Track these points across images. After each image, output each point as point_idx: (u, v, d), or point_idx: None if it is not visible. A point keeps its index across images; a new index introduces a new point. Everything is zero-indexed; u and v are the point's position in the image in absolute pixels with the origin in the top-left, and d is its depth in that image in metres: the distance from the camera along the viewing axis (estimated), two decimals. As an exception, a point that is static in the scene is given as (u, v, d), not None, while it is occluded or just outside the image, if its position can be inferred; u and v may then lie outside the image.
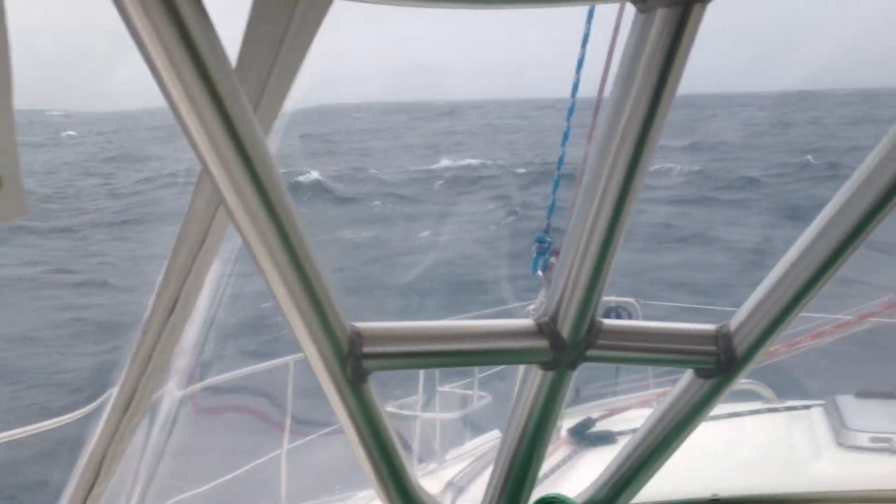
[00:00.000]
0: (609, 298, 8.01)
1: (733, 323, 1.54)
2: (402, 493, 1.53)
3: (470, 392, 7.15)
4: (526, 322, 1.49)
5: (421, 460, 6.38)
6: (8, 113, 0.90)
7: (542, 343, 1.47)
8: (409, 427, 6.64)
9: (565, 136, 3.63)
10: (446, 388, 7.32)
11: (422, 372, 6.76)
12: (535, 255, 3.79)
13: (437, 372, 7.04)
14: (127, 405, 1.79)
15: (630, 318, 7.86)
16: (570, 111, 3.58)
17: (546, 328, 1.47)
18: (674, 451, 1.65)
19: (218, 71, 1.07)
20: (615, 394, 6.80)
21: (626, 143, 1.26)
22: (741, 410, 5.35)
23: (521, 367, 1.56)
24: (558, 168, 3.77)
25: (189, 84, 1.06)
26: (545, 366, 1.50)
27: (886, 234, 1.54)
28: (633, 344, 1.54)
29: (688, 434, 1.63)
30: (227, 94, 1.08)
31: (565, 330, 1.45)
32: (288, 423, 6.00)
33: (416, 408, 6.78)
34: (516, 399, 1.59)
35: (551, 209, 4.09)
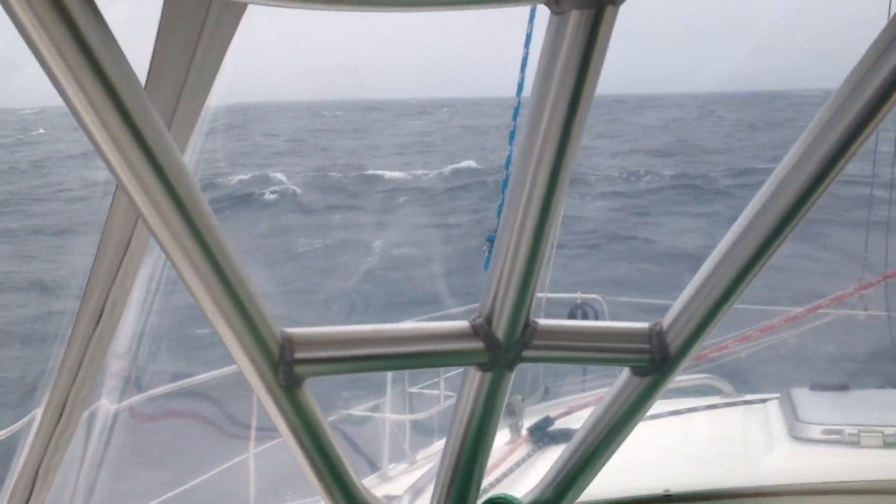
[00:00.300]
0: (574, 295, 8.06)
1: (666, 320, 1.55)
2: (347, 497, 1.53)
3: (437, 392, 7.17)
4: (461, 324, 1.49)
5: (391, 461, 6.40)
6: None
7: (477, 345, 1.47)
8: (377, 429, 6.65)
9: (512, 135, 3.65)
10: (414, 388, 7.34)
11: (389, 373, 6.77)
12: (486, 253, 3.80)
13: (406, 373, 7.05)
14: (58, 417, 1.76)
15: (596, 315, 7.91)
16: (516, 111, 3.60)
17: (481, 329, 1.47)
18: (615, 449, 1.66)
19: (124, 86, 1.05)
20: (583, 390, 6.84)
21: (548, 144, 1.27)
22: (698, 405, 5.40)
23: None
24: (506, 168, 3.79)
25: (97, 105, 1.05)
26: (482, 367, 1.50)
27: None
28: (569, 343, 1.55)
29: (628, 432, 1.64)
30: (135, 110, 1.07)
31: (500, 331, 1.46)
32: (253, 430, 5.98)
33: (384, 409, 6.78)
34: (457, 401, 1.60)
35: (501, 208, 4.09)
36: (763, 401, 5.30)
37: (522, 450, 5.23)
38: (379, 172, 37.02)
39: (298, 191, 32.17)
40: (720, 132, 52.34)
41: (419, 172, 37.19)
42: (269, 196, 31.10)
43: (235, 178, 33.33)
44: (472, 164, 37.28)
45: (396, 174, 36.80)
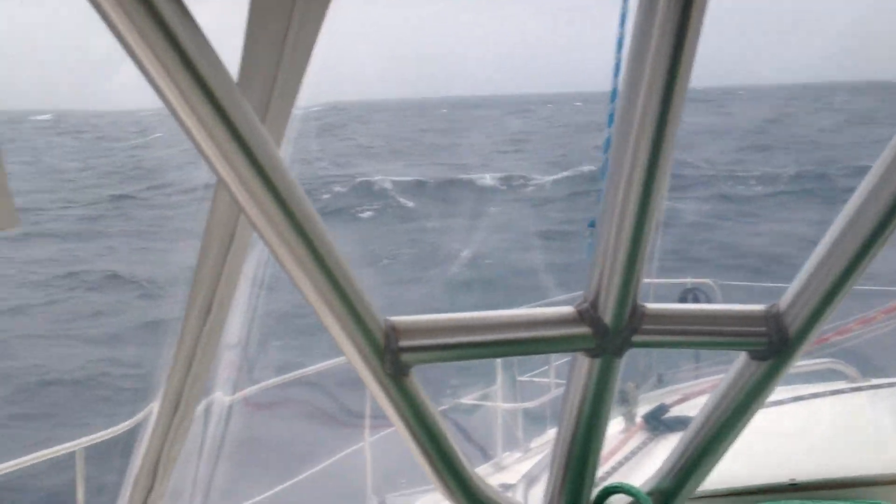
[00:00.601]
0: (684, 280, 7.87)
1: (783, 302, 1.50)
2: (459, 483, 1.53)
3: (547, 380, 7.15)
4: (566, 309, 1.47)
5: (504, 450, 6.42)
6: None
7: (584, 330, 1.45)
8: (489, 417, 6.68)
9: (610, 118, 3.58)
10: (525, 377, 7.33)
11: (499, 361, 6.79)
12: (589, 240, 3.72)
13: (515, 361, 7.06)
14: (174, 410, 1.82)
15: (707, 300, 7.70)
16: (614, 93, 3.52)
17: (587, 315, 1.44)
18: (736, 436, 1.61)
19: (218, 84, 1.08)
20: (697, 377, 6.69)
21: (646, 123, 1.24)
22: (822, 391, 5.17)
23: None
24: (604, 151, 3.71)
25: (193, 103, 1.07)
26: (590, 353, 1.48)
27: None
28: (681, 328, 1.51)
29: (748, 418, 1.59)
30: (231, 107, 1.10)
31: (607, 316, 1.43)
32: (368, 418, 6.09)
33: (494, 398, 6.81)
34: (566, 389, 1.58)
35: (601, 194, 3.97)
36: (891, 385, 5.04)
37: (638, 438, 5.15)
38: (480, 176, 35.47)
39: (402, 200, 31.04)
40: (837, 126, 48.72)
41: (525, 177, 35.12)
42: (365, 214, 29.55)
43: (335, 188, 32.40)
44: (586, 168, 34.28)
45: (497, 178, 34.95)
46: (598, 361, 1.48)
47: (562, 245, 21.44)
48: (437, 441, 1.47)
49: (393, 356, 1.36)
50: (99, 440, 4.69)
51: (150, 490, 1.96)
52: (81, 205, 31.72)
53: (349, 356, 1.36)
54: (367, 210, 29.77)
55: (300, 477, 5.96)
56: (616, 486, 1.68)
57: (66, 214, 29.58)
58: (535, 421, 6.86)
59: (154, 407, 1.82)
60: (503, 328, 1.46)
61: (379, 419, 6.02)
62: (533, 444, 6.45)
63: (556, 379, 7.07)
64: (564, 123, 59.59)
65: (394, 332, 1.36)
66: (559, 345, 1.51)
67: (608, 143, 3.66)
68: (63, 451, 4.58)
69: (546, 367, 7.30)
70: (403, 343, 1.36)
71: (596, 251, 1.41)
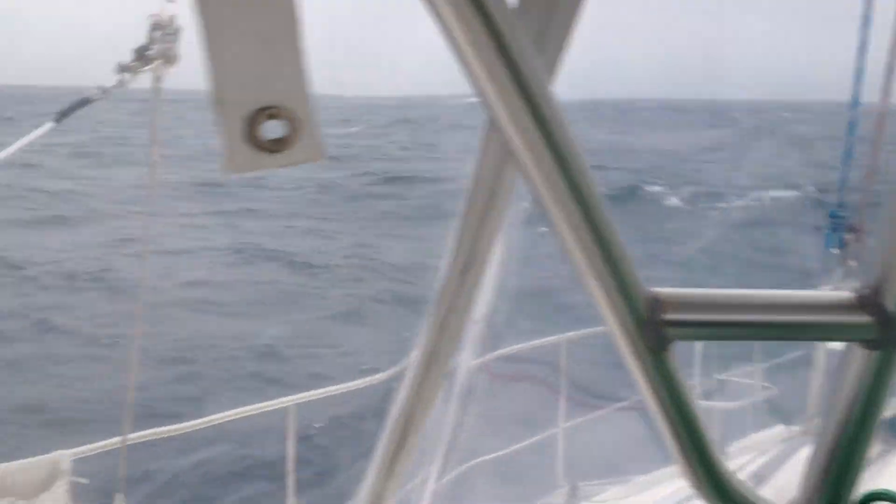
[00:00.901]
0: None
1: None
2: (708, 470, 1.46)
3: (752, 381, 6.85)
4: (843, 294, 1.38)
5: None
6: (298, 55, 0.93)
7: (862, 318, 1.31)
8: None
9: (855, 101, 3.40)
10: (725, 376, 7.07)
11: (698, 358, 6.55)
12: (828, 231, 3.54)
13: (715, 359, 6.79)
14: (427, 367, 1.91)
15: None
16: (859, 73, 3.34)
17: (868, 301, 1.31)
18: None
19: (498, 11, 1.04)
20: None
21: None
22: None
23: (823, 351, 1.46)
24: (850, 135, 3.50)
25: (473, 30, 1.04)
26: (868, 345, 1.34)
27: None
28: None
29: None
30: (510, 38, 1.07)
31: (893, 304, 1.29)
32: (563, 400, 6.09)
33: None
34: (835, 381, 1.49)
35: (842, 182, 3.71)
36: None
37: (876, 445, 4.83)
38: (667, 191, 33.03)
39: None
40: None
41: (720, 193, 32.04)
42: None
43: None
44: (789, 193, 31.07)
45: (685, 196, 32.34)
46: (876, 354, 1.34)
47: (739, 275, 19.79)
48: (690, 422, 1.37)
49: (655, 329, 1.28)
50: (311, 399, 4.77)
51: (400, 445, 2.07)
52: (279, 189, 33.27)
53: (608, 323, 1.32)
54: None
55: (501, 452, 6.03)
56: (883, 493, 1.56)
57: (260, 196, 31.22)
58: (735, 424, 6.60)
59: (409, 363, 1.90)
60: (771, 309, 1.34)
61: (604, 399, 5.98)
62: (731, 449, 6.18)
63: (763, 382, 6.75)
64: (771, 133, 55.49)
65: (657, 303, 1.29)
66: (833, 332, 1.37)
67: (852, 127, 3.44)
68: (276, 407, 4.67)
69: (752, 368, 6.98)
70: (667, 316, 1.29)
71: (882, 232, 1.33)
